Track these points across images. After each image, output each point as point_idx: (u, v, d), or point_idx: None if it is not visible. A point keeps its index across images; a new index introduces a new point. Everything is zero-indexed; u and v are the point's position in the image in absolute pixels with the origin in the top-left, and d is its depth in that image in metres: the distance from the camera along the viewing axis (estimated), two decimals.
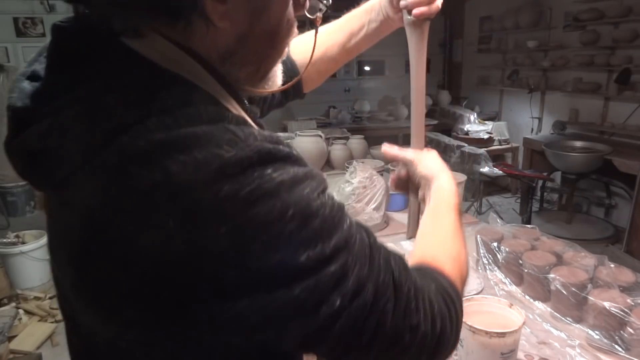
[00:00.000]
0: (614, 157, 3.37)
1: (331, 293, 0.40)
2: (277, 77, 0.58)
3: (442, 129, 5.16)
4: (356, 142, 2.67)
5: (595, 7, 3.89)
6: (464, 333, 0.86)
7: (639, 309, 0.94)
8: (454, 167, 3.79)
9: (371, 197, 1.64)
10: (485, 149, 4.34)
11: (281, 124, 4.92)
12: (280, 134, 3.01)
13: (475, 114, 5.13)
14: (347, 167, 1.84)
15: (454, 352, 0.96)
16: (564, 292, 1.04)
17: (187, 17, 0.44)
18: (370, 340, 0.43)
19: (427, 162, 0.77)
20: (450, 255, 0.61)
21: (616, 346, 0.95)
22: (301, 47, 0.86)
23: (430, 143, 4.40)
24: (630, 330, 0.92)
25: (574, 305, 1.05)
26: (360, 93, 6.06)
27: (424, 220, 0.70)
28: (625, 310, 0.93)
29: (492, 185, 4.65)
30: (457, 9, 6.09)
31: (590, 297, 1.00)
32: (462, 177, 1.80)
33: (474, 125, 4.87)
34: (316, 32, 0.65)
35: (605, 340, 0.96)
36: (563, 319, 1.07)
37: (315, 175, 0.43)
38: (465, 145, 4.31)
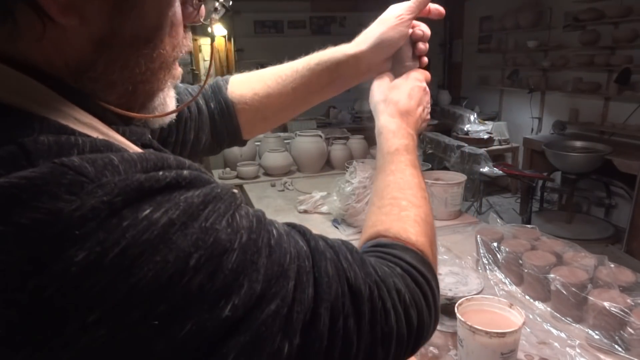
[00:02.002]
0: (614, 157, 3.36)
1: (274, 340, 0.31)
2: (166, 105, 0.44)
3: (442, 129, 5.16)
4: (356, 142, 2.67)
5: (595, 7, 3.88)
6: (464, 333, 0.86)
7: (639, 309, 0.94)
8: (454, 167, 3.80)
9: None
10: (485, 149, 4.34)
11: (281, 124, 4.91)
12: (281, 134, 2.99)
13: (475, 114, 5.12)
14: (347, 167, 1.84)
15: (454, 352, 0.96)
16: (564, 292, 1.04)
17: (4, 9, 0.30)
18: None
19: (395, 88, 0.70)
20: (412, 218, 0.50)
21: (616, 346, 0.94)
22: (244, 84, 0.73)
23: (430, 143, 4.40)
24: (630, 330, 0.92)
25: (574, 305, 1.05)
26: (360, 93, 6.02)
27: (375, 175, 0.60)
28: (625, 310, 0.93)
29: (492, 185, 4.65)
30: (457, 9, 6.09)
31: (590, 297, 1.00)
32: (462, 177, 1.80)
33: (474, 125, 4.86)
34: (212, 40, 0.51)
35: (605, 340, 0.96)
36: (563, 319, 1.07)
37: (220, 193, 0.33)
38: (465, 145, 4.31)
